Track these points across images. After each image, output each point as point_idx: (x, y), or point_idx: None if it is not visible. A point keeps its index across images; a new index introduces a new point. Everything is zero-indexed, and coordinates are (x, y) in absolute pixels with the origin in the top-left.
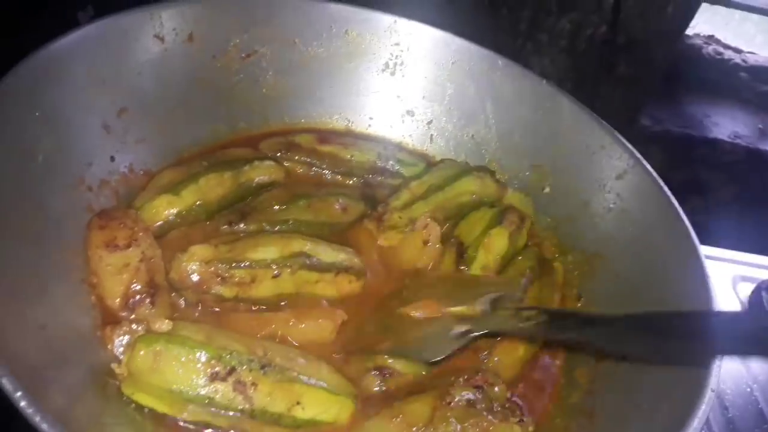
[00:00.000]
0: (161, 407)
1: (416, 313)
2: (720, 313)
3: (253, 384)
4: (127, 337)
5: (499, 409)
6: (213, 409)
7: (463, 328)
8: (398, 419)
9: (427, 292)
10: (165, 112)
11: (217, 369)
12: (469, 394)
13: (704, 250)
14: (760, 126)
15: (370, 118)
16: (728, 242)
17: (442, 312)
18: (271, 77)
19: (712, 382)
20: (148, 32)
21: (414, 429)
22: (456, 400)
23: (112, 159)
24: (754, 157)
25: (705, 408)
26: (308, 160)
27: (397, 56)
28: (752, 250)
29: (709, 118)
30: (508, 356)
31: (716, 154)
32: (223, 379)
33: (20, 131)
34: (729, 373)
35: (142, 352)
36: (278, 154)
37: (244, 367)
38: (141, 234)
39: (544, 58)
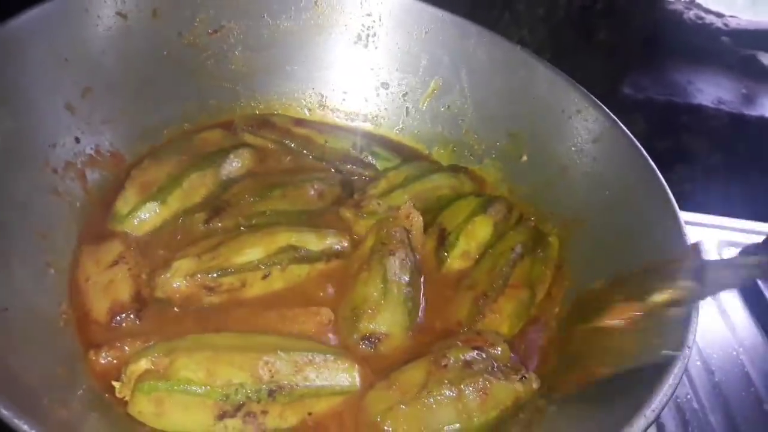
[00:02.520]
0: None
1: (614, 321)
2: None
3: (263, 412)
4: (111, 361)
5: (499, 369)
6: None
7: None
8: (393, 388)
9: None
10: (131, 92)
11: (225, 409)
12: (467, 356)
13: (689, 216)
14: (744, 91)
15: (344, 93)
16: (714, 208)
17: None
18: (240, 53)
19: (689, 339)
20: (110, 9)
21: (408, 396)
22: (452, 362)
23: (77, 140)
24: (738, 123)
25: (681, 364)
26: (281, 139)
27: (368, 27)
28: (738, 215)
29: (692, 84)
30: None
31: (700, 120)
32: (233, 416)
33: None
34: (715, 337)
35: (143, 401)
36: (250, 128)
37: (252, 399)
38: (129, 251)
39: (523, 28)
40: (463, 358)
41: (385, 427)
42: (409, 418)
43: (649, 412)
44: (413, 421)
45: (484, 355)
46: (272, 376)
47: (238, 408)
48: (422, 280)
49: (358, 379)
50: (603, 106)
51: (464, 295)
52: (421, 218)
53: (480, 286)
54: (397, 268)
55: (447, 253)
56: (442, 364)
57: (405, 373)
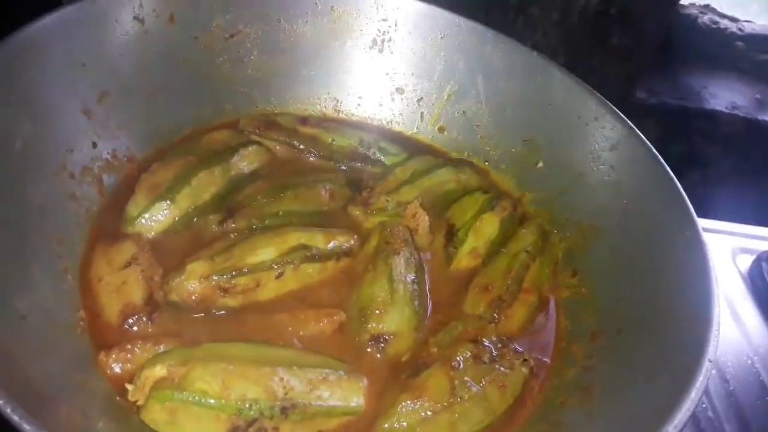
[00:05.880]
0: None
1: None
2: None
3: (275, 428)
4: (122, 364)
5: (499, 353)
6: None
7: None
8: (424, 399)
9: None
10: (148, 96)
11: (238, 423)
12: (468, 351)
13: (703, 222)
14: (758, 96)
15: (359, 97)
16: (727, 214)
17: None
18: (256, 58)
19: (710, 352)
20: (128, 14)
21: (440, 405)
22: (461, 360)
23: (94, 145)
24: (752, 128)
25: (703, 379)
26: (288, 140)
27: (384, 32)
28: (751, 222)
29: (706, 89)
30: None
31: (714, 125)
32: (244, 430)
33: None
34: (730, 345)
35: (157, 408)
36: (257, 131)
37: (265, 415)
38: (142, 253)
39: (536, 32)
40: (469, 354)
41: None
42: (443, 425)
43: (671, 428)
44: (448, 428)
45: (484, 345)
46: (286, 393)
47: (251, 423)
48: (427, 278)
49: (363, 400)
50: (620, 113)
51: (479, 296)
52: (427, 218)
53: (495, 290)
54: (403, 267)
55: (456, 249)
56: (455, 365)
57: (427, 382)
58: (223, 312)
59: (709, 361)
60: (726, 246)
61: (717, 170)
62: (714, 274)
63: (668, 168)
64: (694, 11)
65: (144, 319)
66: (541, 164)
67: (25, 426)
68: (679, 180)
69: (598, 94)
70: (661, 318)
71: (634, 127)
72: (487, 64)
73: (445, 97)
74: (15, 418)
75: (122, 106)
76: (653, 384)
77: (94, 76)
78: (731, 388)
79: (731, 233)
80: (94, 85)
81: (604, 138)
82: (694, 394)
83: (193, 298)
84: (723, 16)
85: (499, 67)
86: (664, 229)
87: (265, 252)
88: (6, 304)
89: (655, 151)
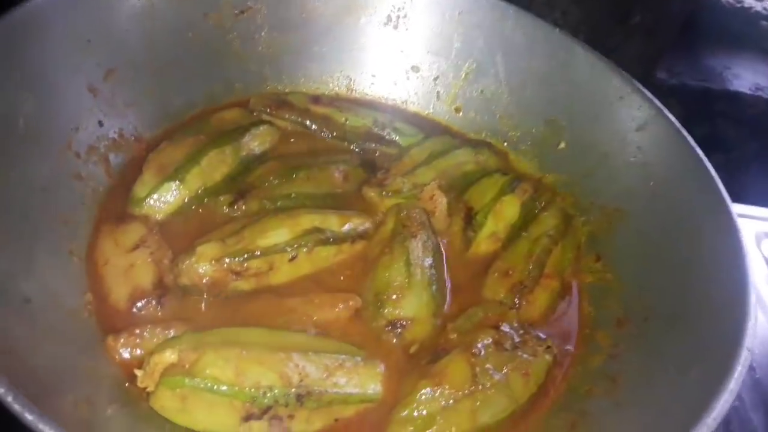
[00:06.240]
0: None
1: None
2: None
3: (290, 416)
4: (131, 349)
5: (521, 340)
6: None
7: None
8: (444, 387)
9: None
10: (155, 74)
11: (252, 411)
12: (489, 338)
13: None
14: None
15: (373, 76)
16: (751, 198)
17: None
18: (267, 34)
19: (747, 340)
20: None
21: (461, 393)
22: (482, 347)
23: (101, 124)
24: None
25: (741, 369)
26: (300, 120)
27: (399, 8)
28: None
29: (729, 70)
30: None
31: (737, 107)
32: (259, 418)
33: None
34: (755, 333)
35: (167, 395)
36: (268, 110)
37: (280, 403)
38: (150, 235)
39: (556, 9)
40: (490, 340)
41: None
42: (464, 414)
43: (710, 420)
44: (469, 416)
45: (505, 332)
46: (302, 380)
47: (265, 411)
48: (445, 262)
49: (381, 387)
50: (647, 92)
51: (499, 281)
52: (445, 199)
53: (516, 275)
54: (420, 251)
55: (474, 233)
56: (476, 352)
57: (447, 369)
58: (235, 296)
59: (747, 349)
60: (750, 231)
61: (740, 153)
62: (748, 259)
63: (699, 150)
64: None
65: (153, 302)
66: (563, 145)
67: (27, 415)
68: None
69: (624, 72)
70: (692, 305)
71: (662, 106)
72: (508, 41)
73: (463, 75)
74: (16, 407)
75: (129, 83)
76: (686, 374)
77: (99, 52)
78: (757, 376)
79: (756, 218)
80: (99, 62)
81: (631, 118)
82: (732, 385)
83: (204, 281)
84: None
85: (519, 44)
86: (694, 212)
87: (278, 234)
88: (9, 287)
89: (684, 132)
